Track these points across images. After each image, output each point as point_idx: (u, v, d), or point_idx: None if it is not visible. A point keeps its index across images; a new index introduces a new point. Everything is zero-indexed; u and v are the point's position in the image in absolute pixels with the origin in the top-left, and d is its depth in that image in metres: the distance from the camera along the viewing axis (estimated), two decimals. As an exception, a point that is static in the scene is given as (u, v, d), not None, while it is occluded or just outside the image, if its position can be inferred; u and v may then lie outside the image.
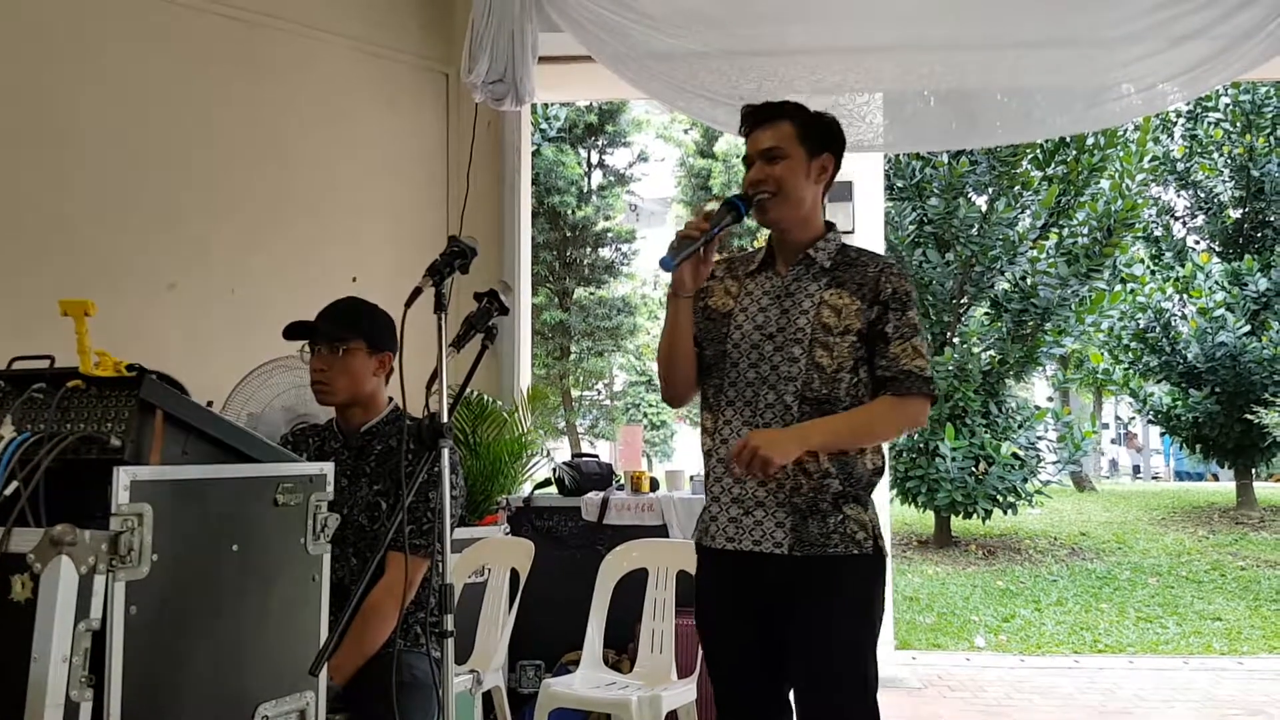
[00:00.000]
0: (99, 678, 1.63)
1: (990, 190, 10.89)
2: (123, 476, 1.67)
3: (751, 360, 2.38)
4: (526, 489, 4.87)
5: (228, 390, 3.72)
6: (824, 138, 2.46)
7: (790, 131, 2.41)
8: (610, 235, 18.97)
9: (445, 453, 2.11)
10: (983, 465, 9.94)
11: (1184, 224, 14.73)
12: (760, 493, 2.34)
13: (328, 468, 2.11)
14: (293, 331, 2.80)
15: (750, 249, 2.63)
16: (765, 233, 2.56)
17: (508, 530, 4.47)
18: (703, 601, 2.50)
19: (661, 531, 4.51)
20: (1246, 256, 12.93)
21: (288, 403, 3.73)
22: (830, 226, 2.48)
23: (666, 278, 2.42)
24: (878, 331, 2.35)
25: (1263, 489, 14.62)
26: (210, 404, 1.95)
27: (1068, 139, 10.40)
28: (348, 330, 2.77)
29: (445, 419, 2.12)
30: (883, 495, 5.81)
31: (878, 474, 2.41)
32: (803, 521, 2.30)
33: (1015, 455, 10.05)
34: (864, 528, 2.33)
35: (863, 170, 5.62)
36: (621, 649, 4.20)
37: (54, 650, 1.57)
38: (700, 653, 2.70)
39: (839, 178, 5.90)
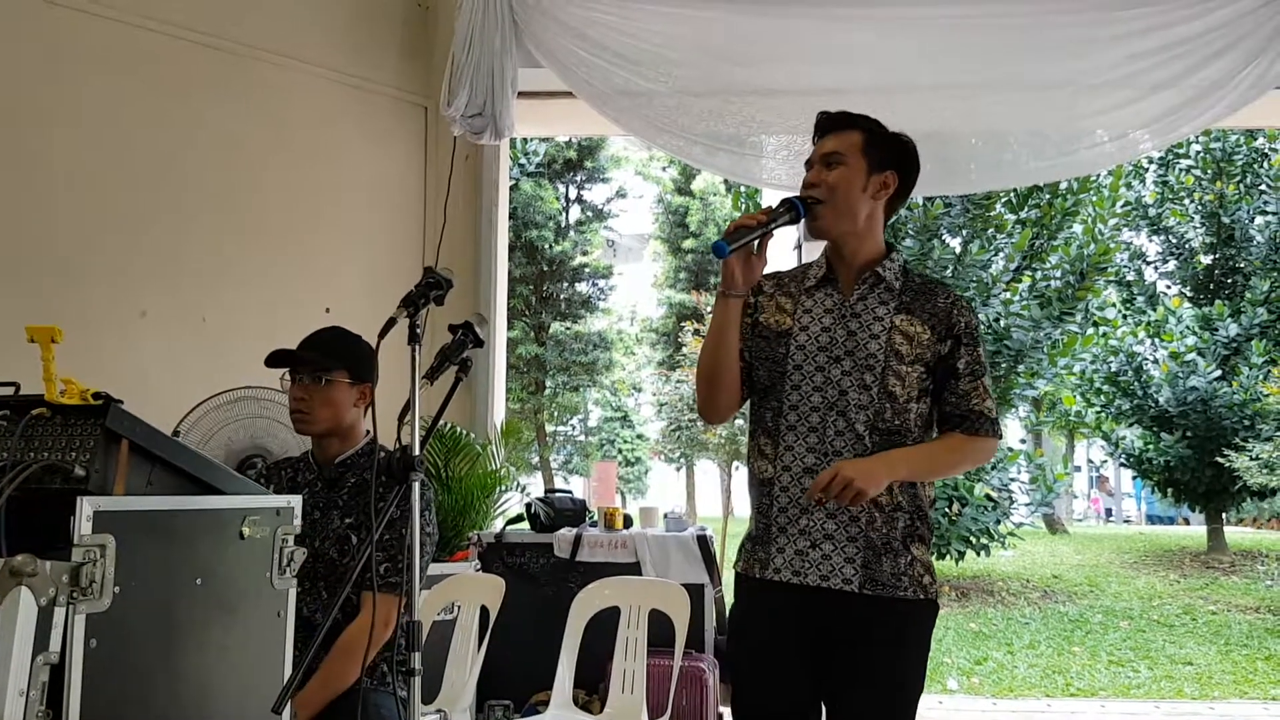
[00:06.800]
0: (57, 713, 1.59)
1: (964, 233, 11.01)
2: (86, 507, 1.64)
3: (816, 384, 2.22)
4: (498, 525, 4.82)
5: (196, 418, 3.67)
6: (891, 155, 2.31)
7: (856, 140, 2.28)
8: (587, 270, 19.03)
9: (416, 487, 2.09)
10: (956, 506, 9.97)
11: (1156, 269, 14.93)
12: (829, 525, 2.18)
13: (295, 500, 2.08)
14: (275, 360, 2.77)
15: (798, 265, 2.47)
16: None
17: (478, 566, 4.42)
18: (752, 635, 2.30)
19: (635, 569, 4.47)
20: (1217, 302, 13.10)
21: (234, 434, 3.65)
22: (892, 247, 2.34)
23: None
24: (949, 366, 2.24)
25: (1233, 533, 14.73)
26: (178, 433, 1.92)
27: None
28: (331, 360, 2.74)
29: (417, 452, 2.10)
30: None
31: (932, 506, 2.32)
32: (876, 558, 2.17)
33: (988, 496, 10.09)
34: (929, 571, 2.23)
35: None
36: (592, 689, 4.15)
37: (11, 683, 1.53)
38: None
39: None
